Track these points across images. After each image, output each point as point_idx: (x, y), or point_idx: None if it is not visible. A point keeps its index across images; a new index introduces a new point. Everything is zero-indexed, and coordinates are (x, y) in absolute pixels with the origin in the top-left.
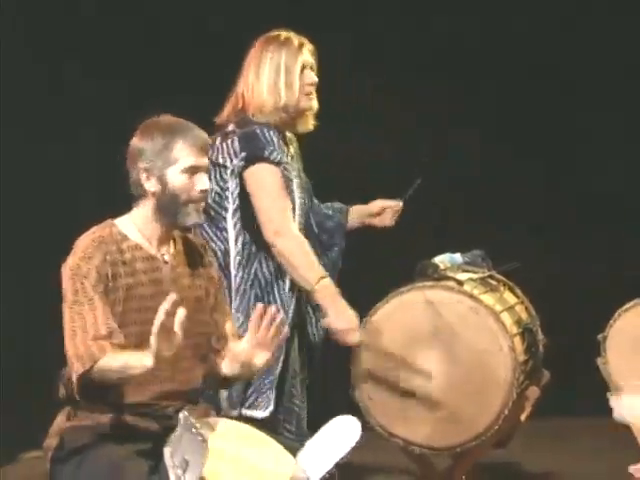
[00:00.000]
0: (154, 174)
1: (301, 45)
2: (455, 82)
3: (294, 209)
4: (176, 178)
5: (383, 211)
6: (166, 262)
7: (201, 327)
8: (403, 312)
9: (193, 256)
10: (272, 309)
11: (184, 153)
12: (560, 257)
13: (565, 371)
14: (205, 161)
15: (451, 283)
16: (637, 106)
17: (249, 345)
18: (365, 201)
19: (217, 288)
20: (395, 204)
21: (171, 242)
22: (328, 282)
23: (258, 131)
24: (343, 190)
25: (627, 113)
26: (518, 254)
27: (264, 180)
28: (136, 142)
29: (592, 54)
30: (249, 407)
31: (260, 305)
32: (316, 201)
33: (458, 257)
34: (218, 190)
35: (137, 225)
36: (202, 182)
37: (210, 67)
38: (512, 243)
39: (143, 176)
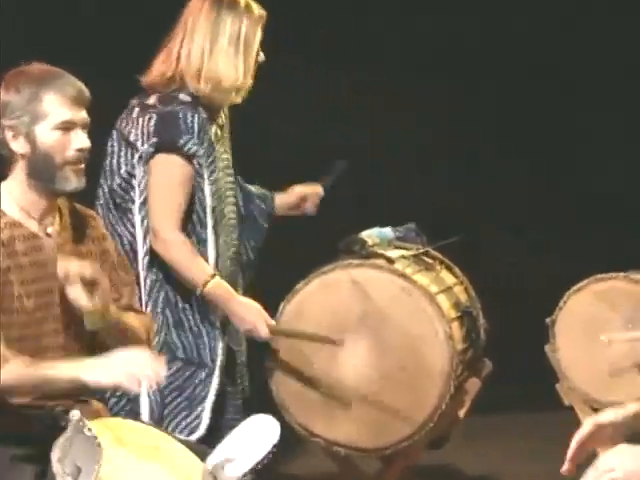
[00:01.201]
0: (21, 132)
1: (261, 17)
2: (455, 82)
3: (204, 210)
4: (47, 136)
5: (303, 201)
6: (49, 235)
7: None
8: (326, 294)
9: (82, 230)
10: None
11: (55, 106)
12: (560, 257)
13: (509, 361)
14: (82, 115)
15: (380, 261)
16: (637, 106)
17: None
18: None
19: (113, 263)
20: (313, 190)
21: (56, 215)
22: (216, 283)
23: (180, 114)
24: (271, 172)
25: (627, 113)
26: (517, 254)
27: (165, 172)
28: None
29: (592, 54)
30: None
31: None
32: (248, 186)
33: (389, 231)
34: (125, 175)
35: (14, 196)
36: (79, 140)
37: None
38: (512, 243)
39: (9, 135)
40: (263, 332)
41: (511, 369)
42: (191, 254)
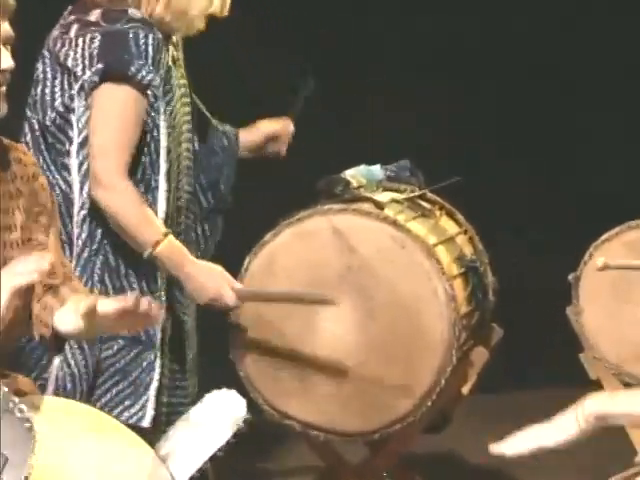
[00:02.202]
0: None
1: None
2: (455, 82)
3: (157, 152)
4: None
5: (271, 140)
6: None
7: None
8: (301, 247)
9: (7, 165)
10: (147, 303)
11: None
12: (560, 256)
13: (524, 327)
14: (5, 28)
15: (368, 206)
16: (637, 106)
17: (110, 312)
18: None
19: (50, 218)
20: (283, 126)
21: None
22: (169, 243)
23: (130, 35)
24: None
25: (627, 113)
26: (517, 254)
27: (112, 106)
28: None
29: (592, 54)
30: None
31: (132, 297)
32: (209, 116)
33: (377, 170)
34: (61, 109)
35: None
36: (0, 58)
37: None
38: (512, 243)
39: None
40: (229, 299)
41: (526, 337)
42: (140, 206)
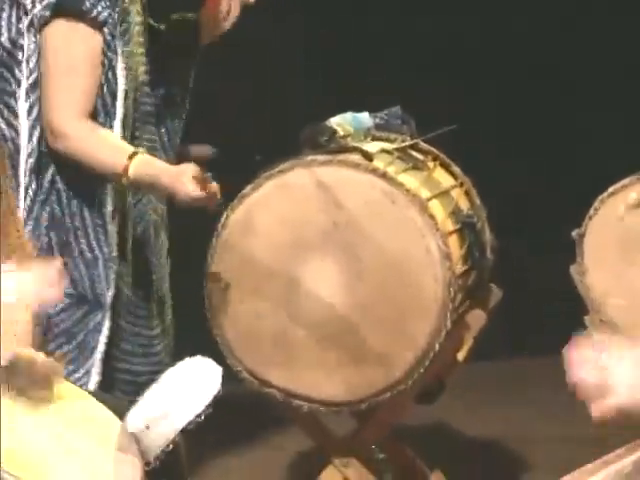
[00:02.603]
0: None
1: None
2: (455, 82)
3: (113, 96)
4: None
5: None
6: None
7: None
8: (282, 201)
9: None
10: None
11: None
12: (560, 256)
13: (523, 287)
14: None
15: (355, 157)
16: (637, 106)
17: None
18: None
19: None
20: None
21: None
22: (141, 160)
23: None
24: None
25: (627, 113)
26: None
27: (66, 44)
28: None
29: (592, 54)
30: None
31: None
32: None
33: (366, 118)
34: (8, 45)
35: None
36: None
37: None
38: (512, 243)
39: None
40: (189, 188)
41: (525, 298)
42: (103, 141)
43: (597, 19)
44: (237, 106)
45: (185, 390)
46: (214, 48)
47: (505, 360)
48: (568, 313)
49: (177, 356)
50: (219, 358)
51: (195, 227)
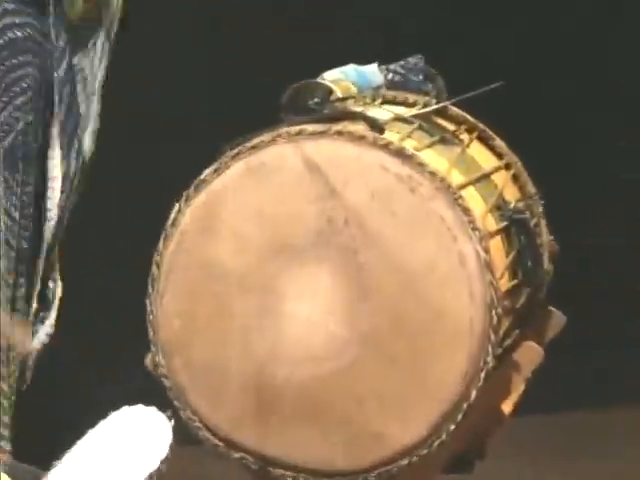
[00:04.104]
0: None
1: None
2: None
3: None
4: None
5: None
6: None
7: None
8: (257, 189)
9: None
10: None
11: None
12: (560, 256)
13: (595, 311)
14: None
15: (359, 127)
16: (637, 106)
17: None
18: None
19: None
20: None
21: None
22: None
23: None
24: None
25: (627, 113)
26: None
27: None
28: None
29: (592, 54)
30: None
31: None
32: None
33: (374, 72)
34: None
35: None
36: None
37: None
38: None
39: None
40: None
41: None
42: None
43: (597, 18)
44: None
45: (120, 451)
46: None
47: (570, 412)
48: None
49: (112, 403)
50: (168, 408)
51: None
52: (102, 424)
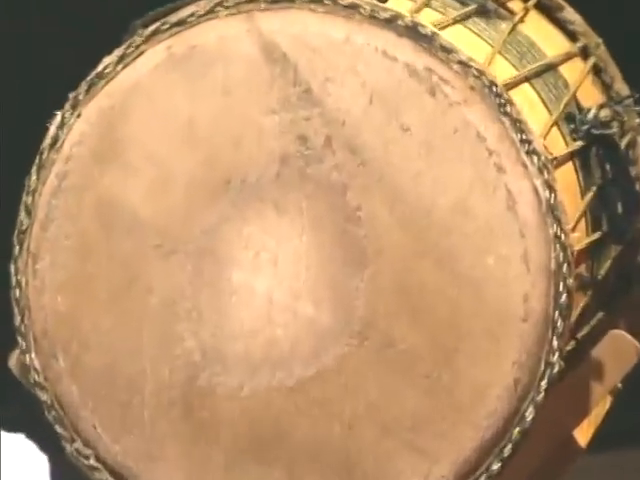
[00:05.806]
0: None
1: None
2: None
3: None
4: None
5: None
6: None
7: None
8: (186, 90)
9: None
10: None
11: None
12: None
13: None
14: None
15: None
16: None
17: None
18: None
19: None
20: None
21: None
22: None
23: None
24: None
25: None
26: None
27: None
28: None
29: None
30: None
31: None
32: None
33: None
34: None
35: None
36: None
37: None
38: None
39: None
40: None
41: None
42: None
43: (597, 19)
44: None
45: None
46: None
47: None
48: None
49: None
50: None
51: None
52: None
